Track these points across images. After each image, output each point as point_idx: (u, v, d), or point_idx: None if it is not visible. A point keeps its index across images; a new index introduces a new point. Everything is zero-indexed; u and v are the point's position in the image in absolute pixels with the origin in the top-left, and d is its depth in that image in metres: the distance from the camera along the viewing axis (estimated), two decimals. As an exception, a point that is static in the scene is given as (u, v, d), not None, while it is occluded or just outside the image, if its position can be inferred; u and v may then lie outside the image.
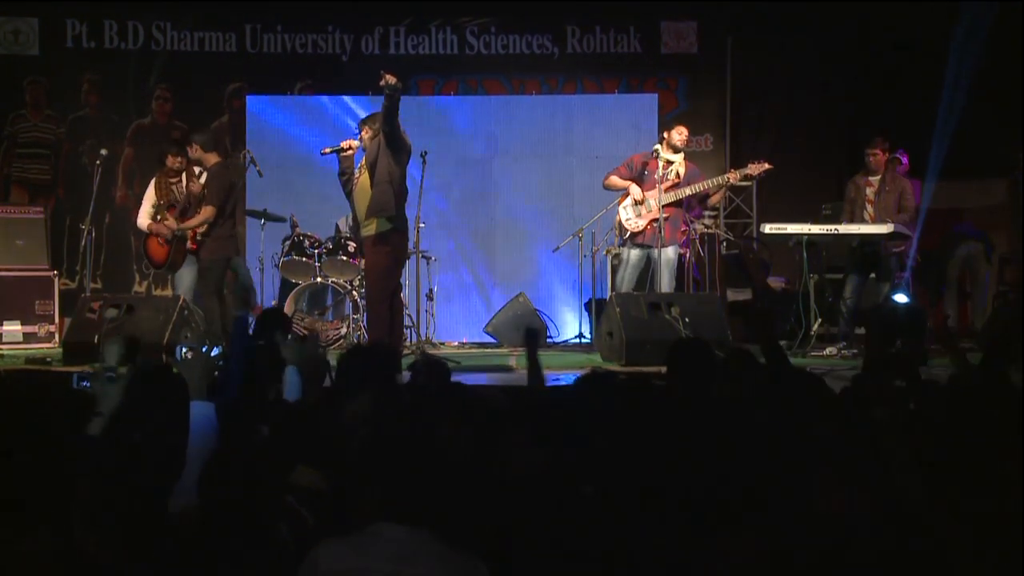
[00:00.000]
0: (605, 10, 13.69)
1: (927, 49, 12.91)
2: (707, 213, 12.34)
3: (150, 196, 10.79)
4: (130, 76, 13.52)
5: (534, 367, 5.60)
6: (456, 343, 12.64)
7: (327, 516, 3.66)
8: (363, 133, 9.26)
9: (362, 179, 9.11)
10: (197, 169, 10.56)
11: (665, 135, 11.08)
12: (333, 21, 13.68)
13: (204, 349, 4.61)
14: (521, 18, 13.78)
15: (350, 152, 9.23)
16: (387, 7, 13.71)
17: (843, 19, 13.37)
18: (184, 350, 4.89)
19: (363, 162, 9.16)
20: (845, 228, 10.78)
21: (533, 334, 5.93)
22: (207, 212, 10.28)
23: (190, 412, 4.05)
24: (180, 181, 10.67)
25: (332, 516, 3.64)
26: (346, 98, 13.33)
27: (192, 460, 3.76)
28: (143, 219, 10.78)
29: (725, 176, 10.98)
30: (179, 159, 10.65)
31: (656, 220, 10.77)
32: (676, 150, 10.94)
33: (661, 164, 10.87)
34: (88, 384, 4.96)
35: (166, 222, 10.55)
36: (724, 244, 12.93)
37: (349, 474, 3.75)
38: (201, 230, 10.36)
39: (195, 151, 10.43)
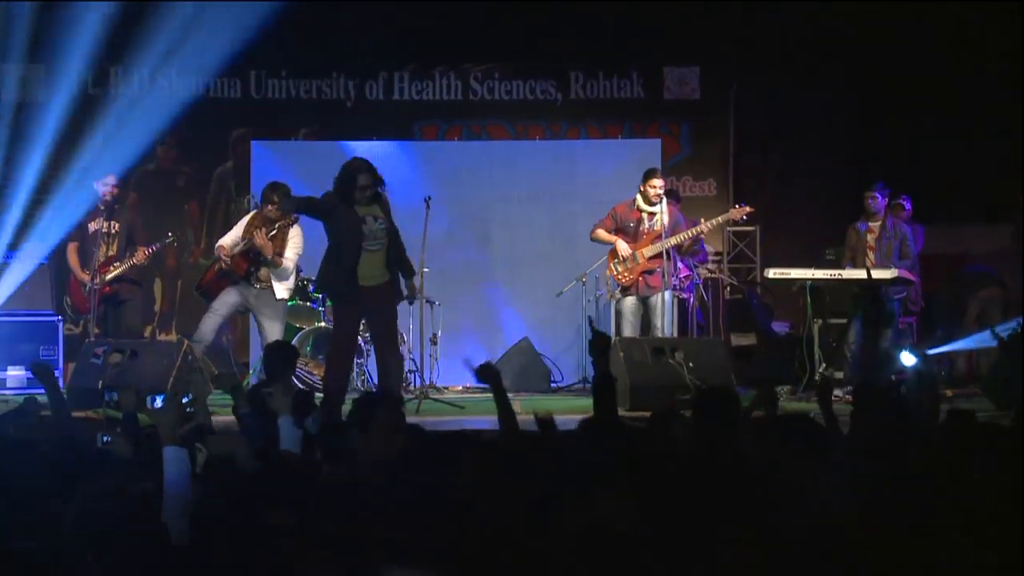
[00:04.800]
0: (608, 56, 13.75)
1: (932, 92, 13.02)
2: (711, 258, 12.34)
3: (241, 226, 10.88)
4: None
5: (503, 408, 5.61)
6: (460, 387, 12.52)
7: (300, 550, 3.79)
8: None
9: (381, 253, 9.22)
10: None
11: (641, 187, 11.06)
12: (337, 67, 13.75)
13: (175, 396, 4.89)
14: (525, 64, 13.85)
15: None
16: (391, 53, 13.78)
17: (846, 63, 13.40)
18: (156, 401, 5.16)
19: (381, 229, 9.24)
20: (849, 273, 10.80)
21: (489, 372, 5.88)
22: None
23: (164, 457, 4.54)
24: (274, 232, 10.68)
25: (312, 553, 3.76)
26: (351, 143, 13.01)
27: (170, 501, 4.37)
28: (224, 240, 10.88)
29: (697, 228, 10.96)
30: (270, 208, 10.61)
31: (645, 272, 10.83)
32: (651, 203, 10.93)
33: (645, 216, 10.91)
34: (109, 439, 5.25)
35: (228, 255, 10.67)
36: (728, 289, 12.97)
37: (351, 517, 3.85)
38: None
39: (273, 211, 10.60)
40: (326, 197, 9.25)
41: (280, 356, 7.65)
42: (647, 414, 8.84)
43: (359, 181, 9.06)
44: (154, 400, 5.24)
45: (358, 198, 9.08)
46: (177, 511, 4.33)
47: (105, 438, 5.35)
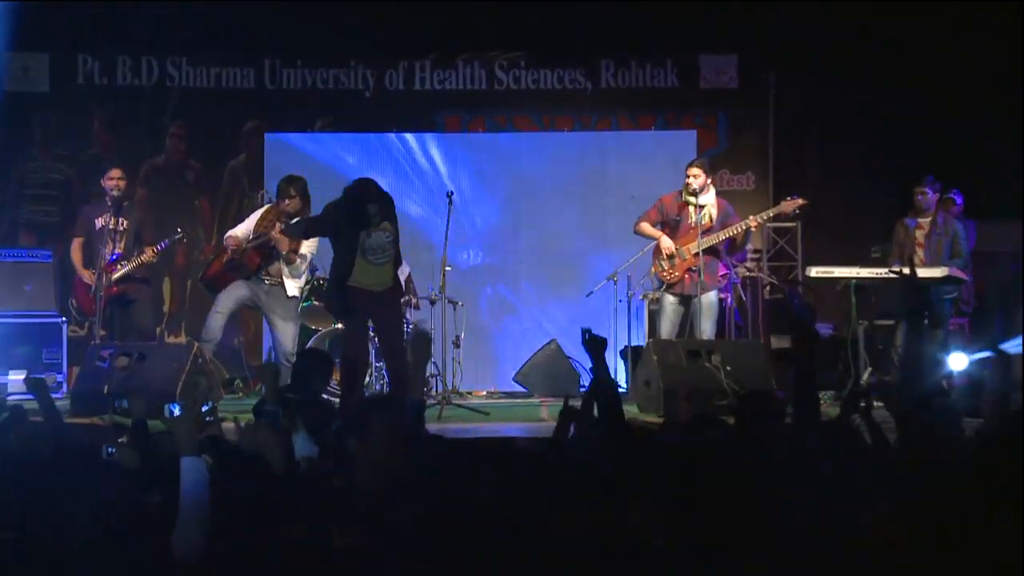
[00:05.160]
0: (641, 43, 13.36)
1: (978, 83, 12.65)
2: (750, 256, 11.98)
3: (254, 219, 10.60)
4: (143, 114, 13.27)
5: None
6: (484, 392, 12.40)
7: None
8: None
9: (389, 264, 9.21)
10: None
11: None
12: (355, 55, 13.41)
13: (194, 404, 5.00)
14: (553, 52, 13.46)
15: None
16: (412, 40, 13.42)
17: (890, 52, 12.99)
18: (174, 409, 5.13)
19: (388, 242, 9.18)
20: (897, 271, 10.38)
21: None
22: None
23: (181, 467, 4.46)
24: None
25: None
26: (369, 135, 13.10)
27: (186, 512, 4.33)
28: (234, 231, 10.59)
29: (745, 223, 10.58)
30: (286, 202, 10.30)
31: (691, 269, 10.47)
32: (693, 193, 10.51)
33: (692, 210, 10.55)
34: (114, 451, 5.16)
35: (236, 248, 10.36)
36: (768, 288, 12.67)
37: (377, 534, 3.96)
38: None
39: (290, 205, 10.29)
40: (329, 212, 9.23)
41: (313, 366, 7.40)
42: (659, 420, 8.69)
43: (369, 211, 9.03)
44: (172, 409, 5.25)
45: (366, 223, 9.05)
46: (193, 523, 4.32)
47: (110, 450, 5.23)
